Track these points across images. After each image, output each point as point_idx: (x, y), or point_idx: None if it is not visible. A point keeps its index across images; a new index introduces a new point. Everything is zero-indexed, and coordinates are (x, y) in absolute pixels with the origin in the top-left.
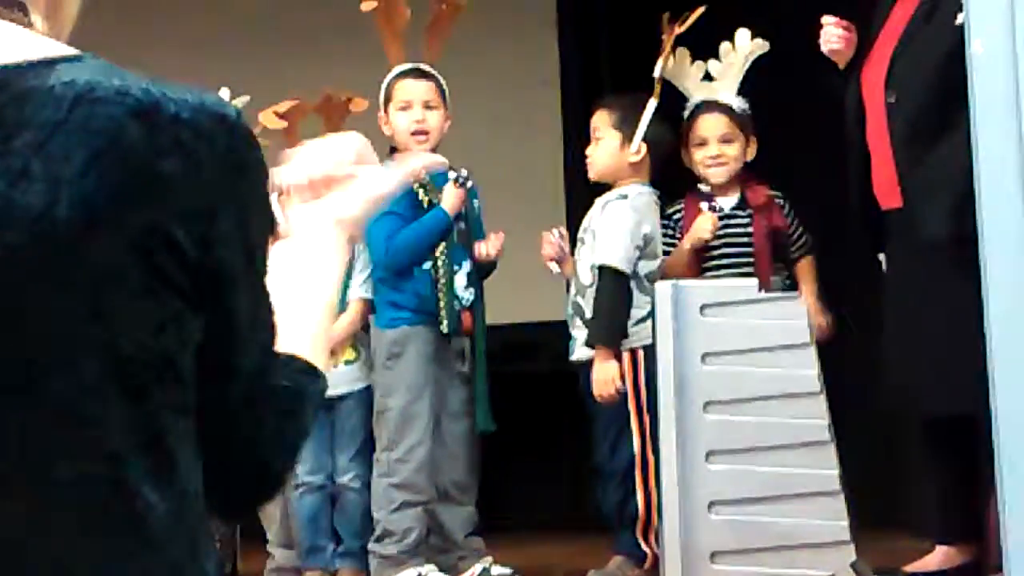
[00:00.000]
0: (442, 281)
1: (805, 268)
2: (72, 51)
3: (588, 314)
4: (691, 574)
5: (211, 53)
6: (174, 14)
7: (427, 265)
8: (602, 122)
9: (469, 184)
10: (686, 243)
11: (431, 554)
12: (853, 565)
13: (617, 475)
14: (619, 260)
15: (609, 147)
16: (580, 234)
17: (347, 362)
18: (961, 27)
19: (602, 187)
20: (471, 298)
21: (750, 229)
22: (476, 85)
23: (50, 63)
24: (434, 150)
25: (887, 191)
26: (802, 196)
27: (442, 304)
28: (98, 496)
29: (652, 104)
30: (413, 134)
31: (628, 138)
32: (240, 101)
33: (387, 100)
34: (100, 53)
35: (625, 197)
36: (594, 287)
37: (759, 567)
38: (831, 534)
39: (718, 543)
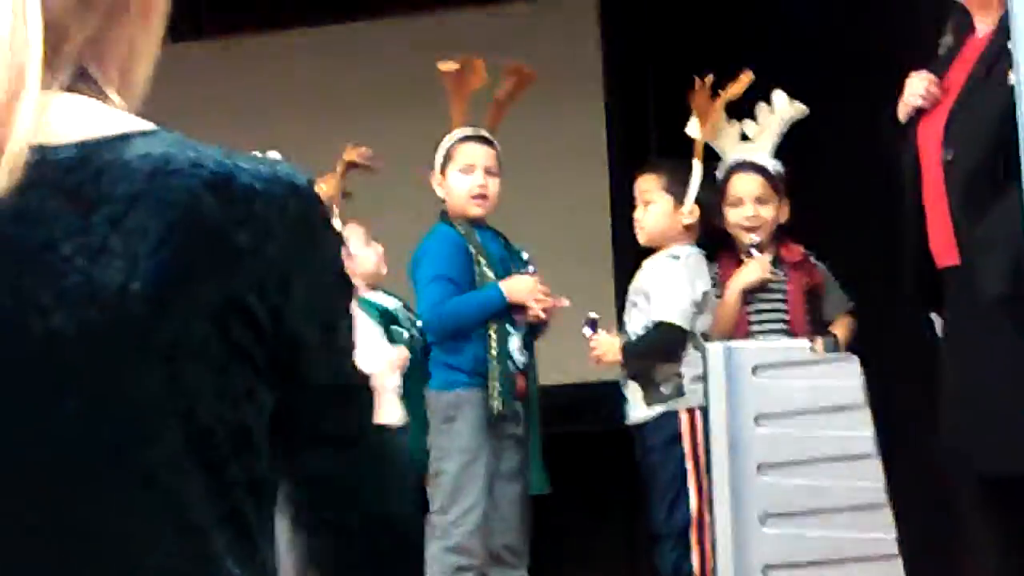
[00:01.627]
0: (494, 352)
1: (841, 325)
2: (147, 124)
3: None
4: None
5: (253, 118)
6: (213, 79)
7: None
8: (652, 186)
9: (532, 269)
10: (737, 284)
11: None
12: None
13: (674, 536)
14: (677, 316)
15: (661, 210)
16: (630, 296)
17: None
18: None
19: (650, 251)
20: (525, 360)
21: (786, 287)
22: (524, 151)
23: (125, 137)
24: (487, 216)
25: (944, 248)
26: (847, 257)
27: (494, 381)
28: (184, 570)
29: (698, 166)
30: (473, 197)
31: (680, 200)
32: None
33: (446, 162)
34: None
35: (677, 258)
36: None
37: None
38: None
39: None
